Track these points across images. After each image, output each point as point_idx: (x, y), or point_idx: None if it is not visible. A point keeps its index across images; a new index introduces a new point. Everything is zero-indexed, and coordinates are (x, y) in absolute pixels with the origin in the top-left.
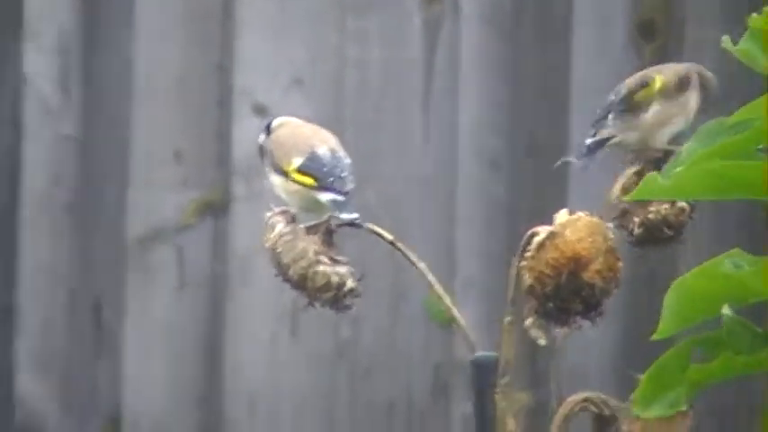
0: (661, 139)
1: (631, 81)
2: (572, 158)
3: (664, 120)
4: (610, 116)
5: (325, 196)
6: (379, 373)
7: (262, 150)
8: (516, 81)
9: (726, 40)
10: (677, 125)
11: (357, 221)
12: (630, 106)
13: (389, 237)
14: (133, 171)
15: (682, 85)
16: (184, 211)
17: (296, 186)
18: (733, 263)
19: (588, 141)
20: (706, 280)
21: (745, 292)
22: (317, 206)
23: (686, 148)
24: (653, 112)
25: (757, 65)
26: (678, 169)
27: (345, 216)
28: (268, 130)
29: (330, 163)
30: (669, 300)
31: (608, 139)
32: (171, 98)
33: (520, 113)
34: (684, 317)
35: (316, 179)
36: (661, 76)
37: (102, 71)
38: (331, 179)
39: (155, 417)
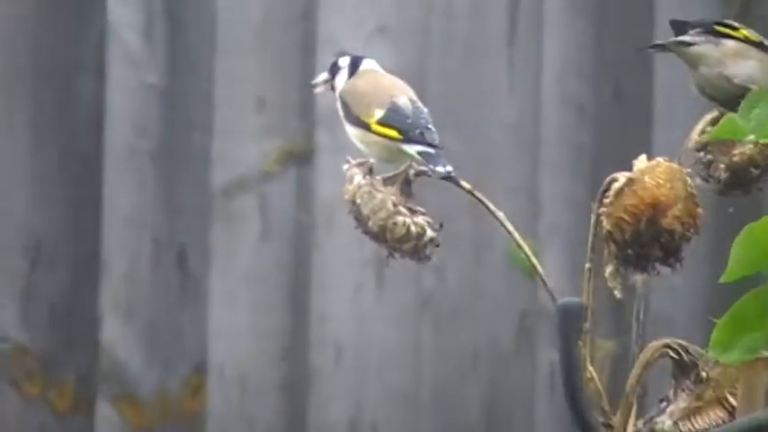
0: (737, 73)
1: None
2: (646, 48)
3: (743, 53)
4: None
5: (413, 148)
6: (463, 321)
7: (339, 99)
8: (601, 26)
9: None
10: (755, 67)
11: (453, 175)
12: (716, 34)
13: (467, 186)
14: (217, 120)
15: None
16: (268, 160)
17: (376, 138)
18: None
19: (668, 41)
20: None
21: None
22: (398, 157)
23: (756, 114)
24: (734, 42)
25: None
26: (750, 137)
27: (440, 169)
28: (351, 70)
29: (413, 114)
30: (738, 244)
31: (688, 44)
32: (254, 47)
33: (605, 58)
34: (752, 261)
35: (400, 131)
36: (747, 30)
37: (186, 20)
38: (417, 130)
39: (240, 365)
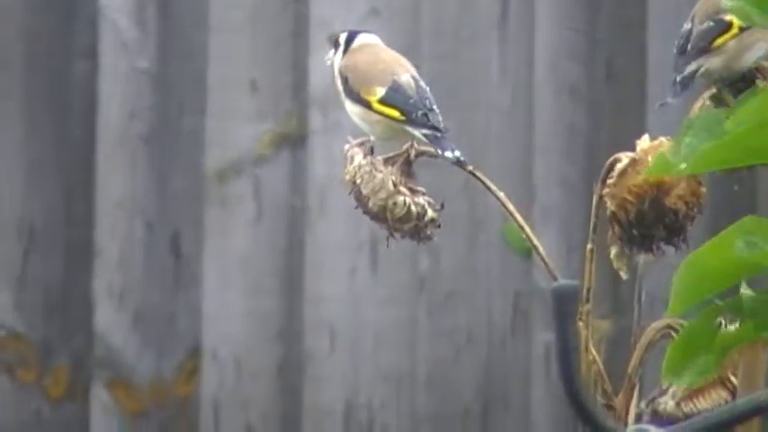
0: (746, 62)
1: (706, 17)
2: (669, 99)
3: (747, 45)
4: (690, 52)
5: (418, 131)
6: (458, 302)
7: (339, 75)
8: (593, 6)
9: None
10: (762, 49)
11: (462, 160)
12: (710, 48)
13: (469, 166)
14: (209, 103)
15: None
16: (261, 143)
17: (378, 116)
18: (745, 242)
19: (678, 78)
20: (718, 258)
21: (760, 267)
22: (400, 135)
23: (686, 144)
24: (734, 42)
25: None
26: (682, 165)
27: (449, 155)
28: (347, 45)
29: (416, 94)
30: (680, 277)
31: (696, 71)
32: (246, 29)
33: (597, 40)
34: (696, 293)
35: (403, 112)
36: (736, 20)
37: (178, 3)
38: (421, 112)
39: (234, 349)
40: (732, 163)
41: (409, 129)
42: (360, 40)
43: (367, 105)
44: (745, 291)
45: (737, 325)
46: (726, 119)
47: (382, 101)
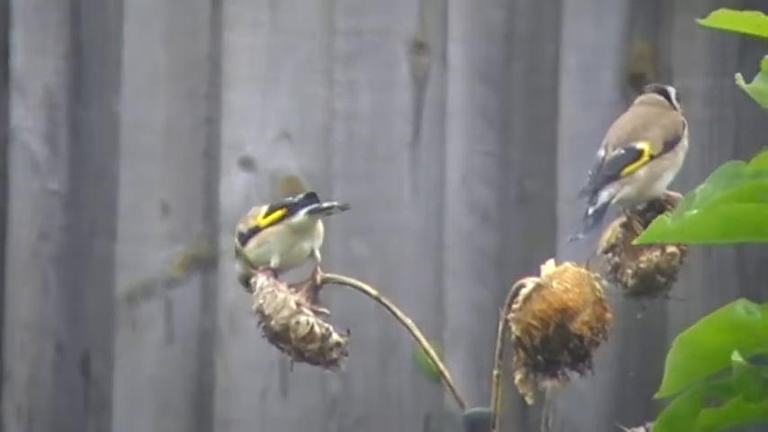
0: (658, 190)
1: (618, 144)
2: (580, 235)
3: (657, 174)
4: (601, 183)
5: (300, 214)
6: (370, 426)
7: (237, 252)
8: (505, 131)
9: (738, 78)
10: (669, 176)
11: (337, 205)
12: (621, 175)
13: (374, 292)
14: (120, 225)
15: (669, 145)
16: (172, 265)
17: (269, 230)
18: (745, 308)
19: (591, 211)
20: (713, 332)
21: (756, 340)
22: (297, 240)
23: (701, 190)
24: (644, 171)
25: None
26: (693, 212)
27: (325, 204)
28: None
29: (292, 197)
30: (673, 356)
31: (608, 203)
32: (158, 152)
33: (509, 164)
34: (690, 372)
35: (282, 208)
36: (647, 144)
37: (89, 126)
38: (299, 198)
39: None
40: (746, 213)
41: (294, 219)
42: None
43: (256, 231)
44: (736, 359)
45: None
46: (745, 168)
47: (266, 214)
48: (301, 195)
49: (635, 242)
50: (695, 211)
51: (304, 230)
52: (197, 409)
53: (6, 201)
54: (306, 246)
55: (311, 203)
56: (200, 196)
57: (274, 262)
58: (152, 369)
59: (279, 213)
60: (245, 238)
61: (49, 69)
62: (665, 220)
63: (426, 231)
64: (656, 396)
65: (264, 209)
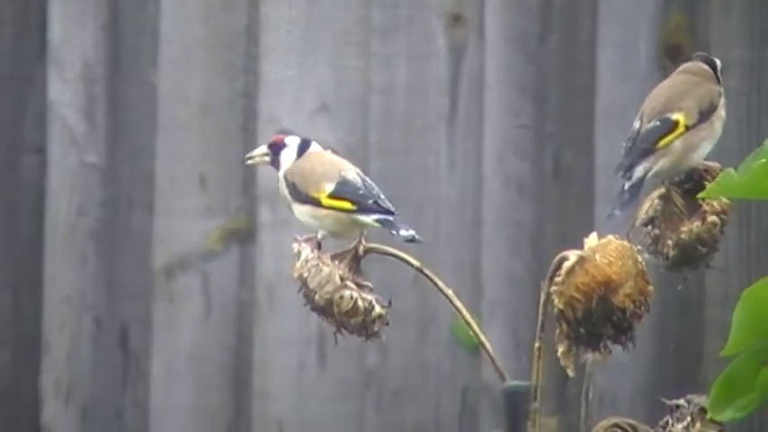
0: (695, 161)
1: (653, 115)
2: (617, 211)
3: (694, 145)
4: (636, 157)
5: (369, 218)
6: (406, 398)
7: (284, 179)
8: (541, 104)
9: None
10: (707, 147)
11: (417, 238)
12: (656, 148)
13: (416, 263)
14: (158, 199)
15: (704, 115)
16: (210, 239)
17: (327, 211)
18: None
19: (626, 186)
20: None
21: None
22: (350, 229)
23: None
24: (680, 142)
25: None
26: (762, 161)
27: (404, 233)
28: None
29: (363, 186)
30: (740, 313)
31: (644, 177)
32: (195, 125)
33: (545, 136)
34: (756, 331)
35: (353, 202)
36: (682, 114)
37: (127, 99)
38: (371, 200)
39: None
40: None
41: (361, 217)
42: (312, 148)
43: (316, 203)
44: None
45: None
46: None
47: (332, 195)
48: (375, 195)
49: (700, 196)
50: (764, 161)
51: (362, 226)
52: (234, 383)
53: (44, 175)
54: (356, 233)
55: (381, 212)
56: (237, 169)
57: (321, 235)
58: (190, 342)
59: (347, 206)
60: (299, 197)
61: (86, 42)
62: (732, 174)
63: (462, 204)
64: (722, 354)
65: (325, 170)
